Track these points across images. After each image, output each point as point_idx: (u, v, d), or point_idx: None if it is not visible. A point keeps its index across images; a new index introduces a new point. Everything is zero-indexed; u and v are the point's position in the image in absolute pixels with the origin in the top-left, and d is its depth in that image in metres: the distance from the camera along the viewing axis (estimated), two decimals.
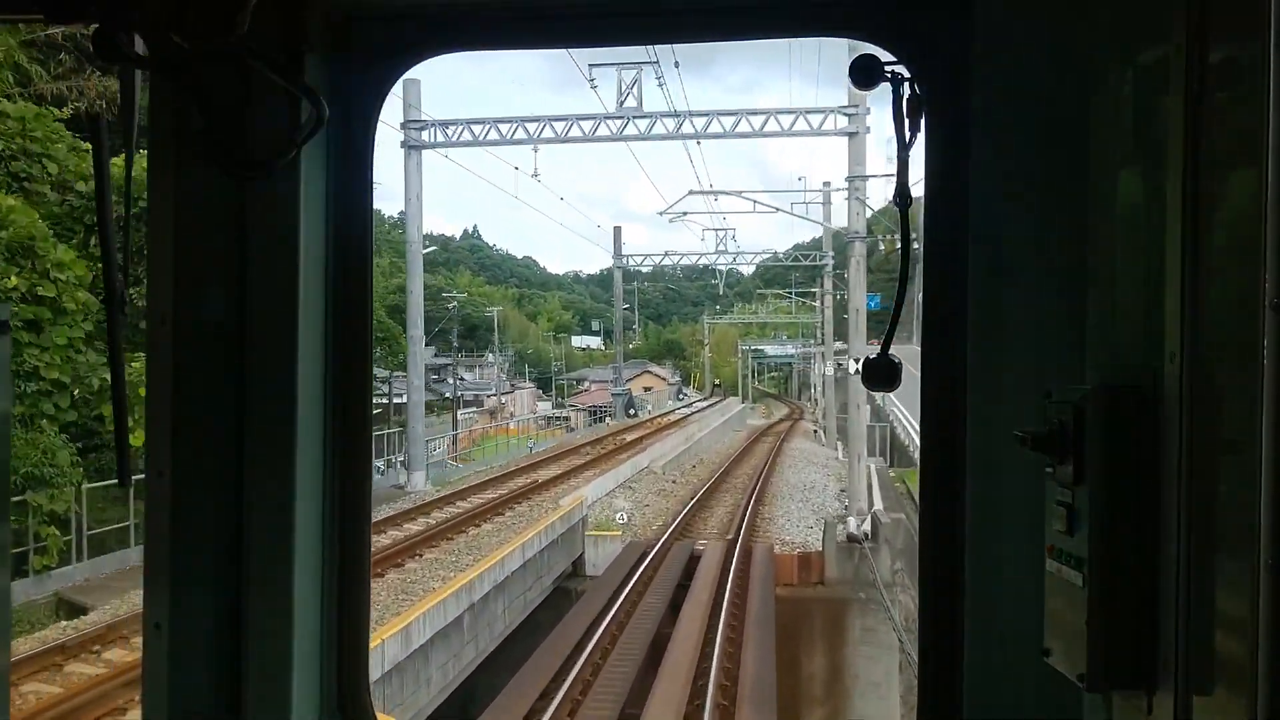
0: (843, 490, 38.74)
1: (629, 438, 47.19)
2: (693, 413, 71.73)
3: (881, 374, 2.32)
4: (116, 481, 3.86)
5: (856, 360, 30.79)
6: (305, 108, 2.15)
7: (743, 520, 28.36)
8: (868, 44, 2.28)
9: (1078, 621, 1.72)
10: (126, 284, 2.15)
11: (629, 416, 64.04)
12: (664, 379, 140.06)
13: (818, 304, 73.85)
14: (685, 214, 40.46)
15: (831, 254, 61.26)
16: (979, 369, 2.16)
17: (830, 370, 61.88)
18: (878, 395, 78.16)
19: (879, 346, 2.39)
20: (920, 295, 2.39)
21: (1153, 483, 1.64)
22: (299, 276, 2.23)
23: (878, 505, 30.51)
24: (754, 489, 35.38)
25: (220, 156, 2.17)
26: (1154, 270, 1.64)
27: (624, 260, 63.76)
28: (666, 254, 62.96)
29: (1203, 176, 1.52)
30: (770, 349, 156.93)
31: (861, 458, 30.95)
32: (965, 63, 2.16)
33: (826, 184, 62.34)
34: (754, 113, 31.00)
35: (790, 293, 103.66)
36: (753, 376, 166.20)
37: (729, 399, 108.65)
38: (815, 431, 70.48)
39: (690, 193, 36.86)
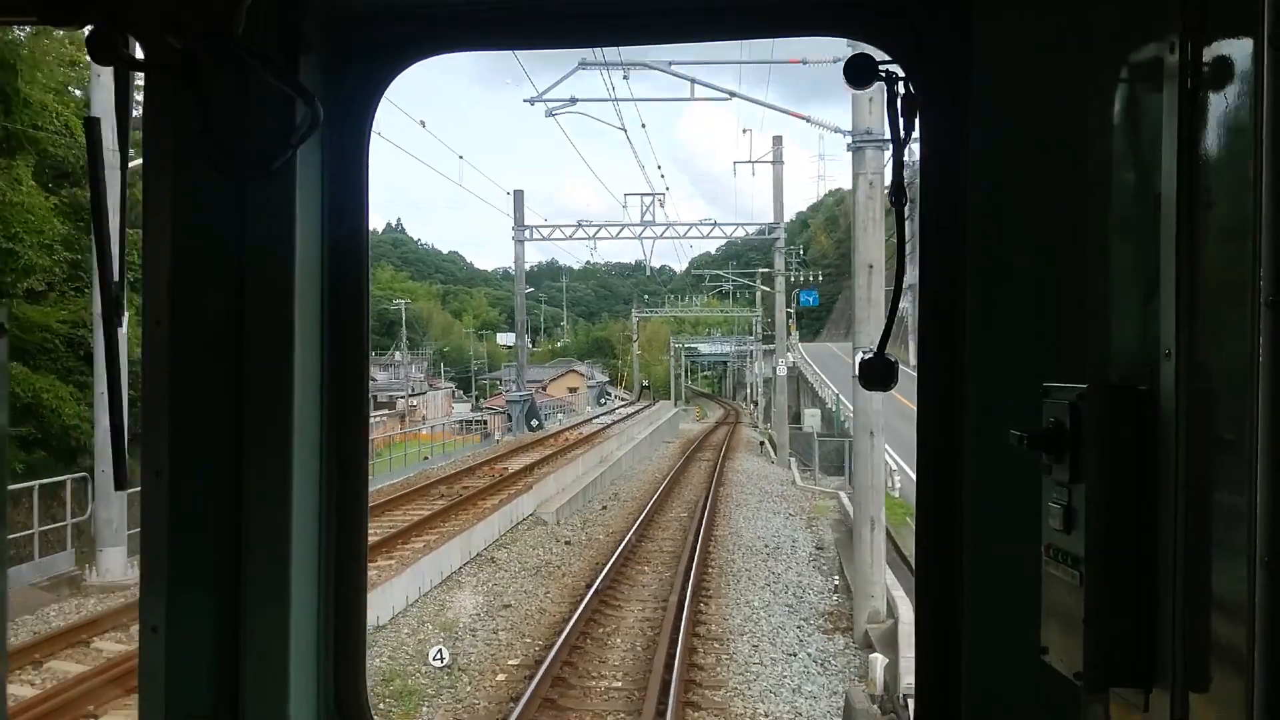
0: (819, 549, 25.48)
1: (516, 465, 33.00)
2: (615, 421, 57.66)
3: (878, 373, 2.22)
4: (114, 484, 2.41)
5: (866, 353, 17.32)
6: (300, 108, 2.11)
7: (670, 669, 14.36)
8: (863, 43, 2.22)
9: (1074, 620, 1.67)
10: (123, 286, 2.06)
11: (530, 429, 49.65)
12: (591, 379, 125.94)
13: (768, 288, 60.40)
14: (573, 100, 26.17)
15: (784, 225, 47.88)
16: (976, 367, 2.12)
17: (781, 369, 48.55)
18: (829, 403, 65.50)
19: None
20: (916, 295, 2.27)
21: (1149, 480, 1.61)
22: (295, 277, 2.19)
23: (905, 612, 17.06)
24: (690, 559, 21.62)
25: (216, 158, 2.12)
26: (1150, 268, 1.60)
27: (526, 232, 49.59)
28: (580, 224, 48.89)
29: (1198, 174, 1.49)
30: (704, 347, 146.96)
31: (877, 524, 17.35)
32: (960, 60, 2.13)
33: (777, 139, 49.13)
34: None
35: (728, 272, 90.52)
36: (686, 376, 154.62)
37: (659, 403, 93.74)
38: (761, 445, 56.96)
39: (581, 65, 22.85)
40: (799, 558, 23.56)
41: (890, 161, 2.26)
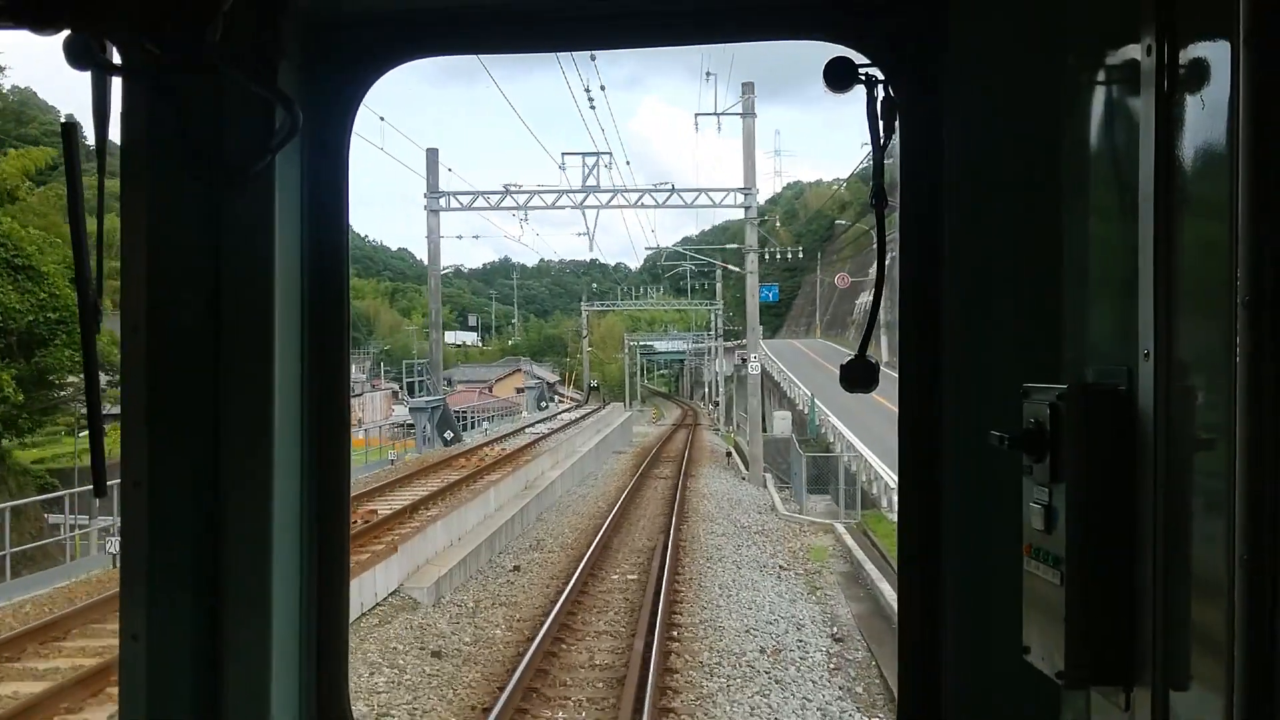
0: (838, 639, 16.12)
1: (398, 502, 22.79)
2: (556, 429, 47.64)
3: (860, 375, 2.14)
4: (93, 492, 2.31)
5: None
6: (279, 114, 2.05)
7: None
8: (841, 47, 2.18)
9: (1056, 619, 1.65)
10: (100, 294, 2.01)
11: (445, 443, 39.37)
12: (541, 378, 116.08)
13: (736, 268, 51.31)
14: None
15: (756, 191, 38.60)
16: (955, 368, 2.07)
17: (754, 366, 39.25)
18: (800, 404, 56.53)
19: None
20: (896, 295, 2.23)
21: (1129, 480, 1.58)
22: (274, 284, 2.12)
23: None
24: (639, 694, 12.03)
25: (194, 164, 2.08)
26: (1128, 268, 1.58)
27: (443, 200, 39.63)
28: (508, 190, 39.11)
29: (1175, 175, 1.48)
30: (660, 344, 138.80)
31: None
32: (939, 64, 2.08)
33: (748, 85, 39.73)
34: None
35: (688, 249, 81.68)
36: (641, 374, 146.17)
37: (611, 405, 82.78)
38: (728, 455, 47.48)
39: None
40: (814, 666, 14.18)
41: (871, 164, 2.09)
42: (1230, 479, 1.30)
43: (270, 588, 2.11)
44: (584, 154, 38.27)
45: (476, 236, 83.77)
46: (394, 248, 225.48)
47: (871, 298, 2.17)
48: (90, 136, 2.01)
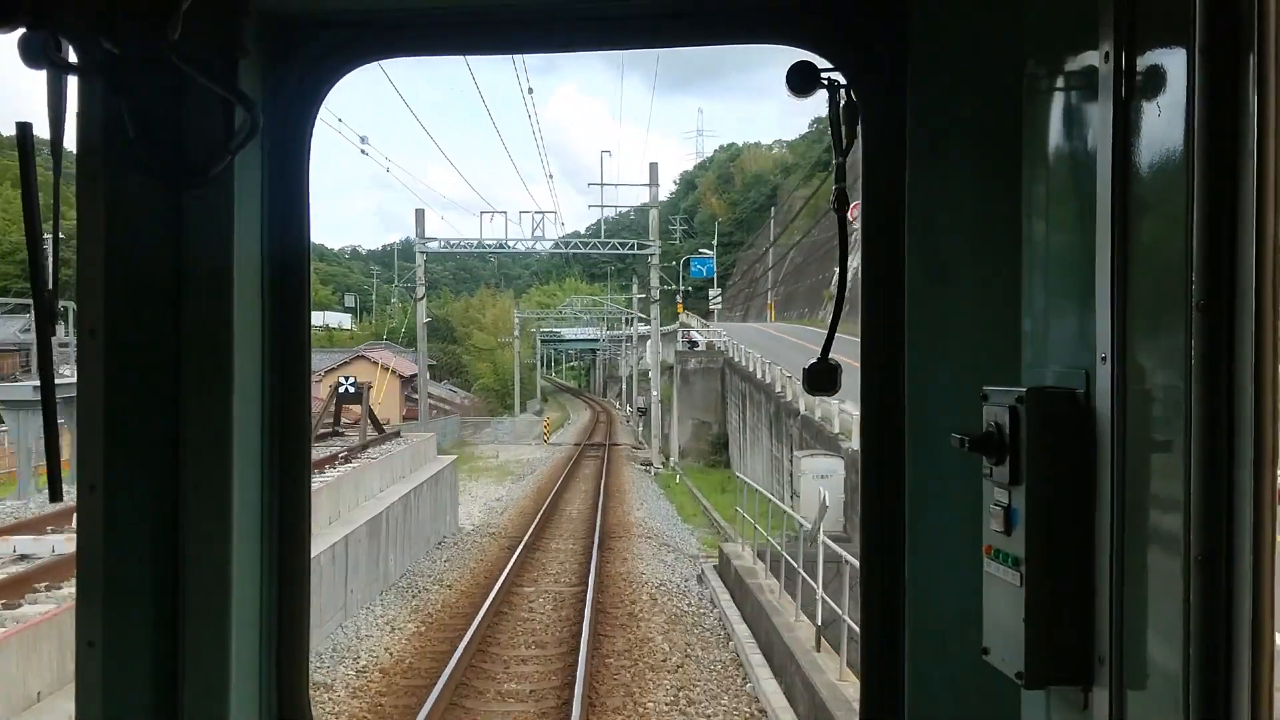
0: None
1: None
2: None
3: (823, 378, 2.08)
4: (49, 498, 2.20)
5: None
6: (239, 114, 1.94)
7: None
8: (804, 51, 2.10)
9: (1015, 620, 1.61)
10: (56, 296, 1.90)
11: None
12: (397, 372, 78.27)
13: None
14: None
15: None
16: (917, 371, 1.99)
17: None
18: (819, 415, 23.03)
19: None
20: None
21: (1087, 482, 1.55)
22: (234, 285, 2.01)
23: None
24: None
25: (153, 164, 1.95)
26: (1086, 273, 1.54)
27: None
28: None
29: (1132, 181, 1.45)
30: (569, 333, 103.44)
31: None
32: (901, 69, 2.00)
33: None
34: None
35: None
36: (547, 366, 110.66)
37: (415, 440, 28.95)
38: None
39: None
40: None
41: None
42: (1186, 480, 1.27)
43: (230, 592, 2.00)
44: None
45: (408, 237, 45.58)
46: None
47: (835, 306, 2.07)
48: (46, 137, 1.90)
